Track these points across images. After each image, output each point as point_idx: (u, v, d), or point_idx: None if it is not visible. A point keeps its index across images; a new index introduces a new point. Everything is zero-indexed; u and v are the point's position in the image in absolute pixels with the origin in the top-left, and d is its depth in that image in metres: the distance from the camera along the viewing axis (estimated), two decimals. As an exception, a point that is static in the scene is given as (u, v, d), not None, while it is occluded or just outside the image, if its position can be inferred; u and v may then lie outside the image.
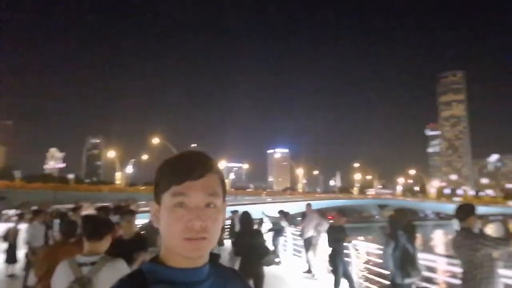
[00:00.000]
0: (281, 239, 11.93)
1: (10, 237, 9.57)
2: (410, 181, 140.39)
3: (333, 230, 7.59)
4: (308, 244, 9.64)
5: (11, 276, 9.11)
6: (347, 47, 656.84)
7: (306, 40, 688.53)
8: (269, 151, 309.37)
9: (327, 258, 8.21)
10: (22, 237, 8.91)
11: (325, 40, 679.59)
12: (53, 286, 2.43)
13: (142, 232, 7.63)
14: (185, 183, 0.85)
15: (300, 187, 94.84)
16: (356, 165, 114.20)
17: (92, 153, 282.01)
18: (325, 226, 8.62)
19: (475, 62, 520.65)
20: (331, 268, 7.74)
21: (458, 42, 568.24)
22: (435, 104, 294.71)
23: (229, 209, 11.95)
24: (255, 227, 7.17)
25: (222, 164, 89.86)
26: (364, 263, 8.55)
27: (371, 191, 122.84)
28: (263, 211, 14.19)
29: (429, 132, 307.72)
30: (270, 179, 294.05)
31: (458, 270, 4.94)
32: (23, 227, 9.27)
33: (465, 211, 3.90)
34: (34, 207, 10.87)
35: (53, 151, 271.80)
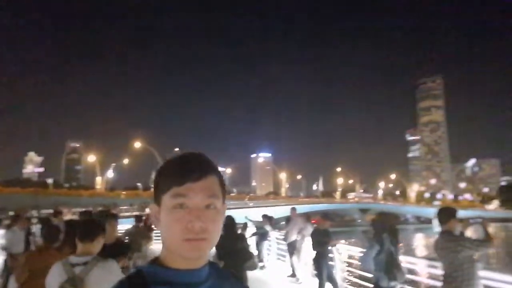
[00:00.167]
0: (265, 243, 11.94)
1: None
2: (391, 185, 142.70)
3: (318, 234, 7.65)
4: (292, 248, 9.68)
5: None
6: (329, 53, 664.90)
7: (289, 45, 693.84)
8: (252, 156, 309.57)
9: (311, 262, 8.26)
10: None
11: (308, 46, 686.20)
12: (47, 285, 2.50)
13: (126, 237, 7.57)
14: (186, 184, 0.86)
15: (283, 191, 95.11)
16: (339, 169, 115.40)
17: (72, 158, 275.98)
18: (310, 230, 8.68)
19: (453, 69, 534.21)
20: (315, 272, 7.79)
21: (437, 49, 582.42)
22: (415, 110, 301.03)
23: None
24: (239, 231, 7.18)
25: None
26: (347, 266, 8.63)
27: (351, 195, 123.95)
28: (247, 215, 14.17)
29: (409, 137, 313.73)
30: (254, 183, 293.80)
31: (439, 272, 5.07)
32: (0, 232, 9.02)
33: (447, 214, 4.01)
34: (11, 213, 10.60)
35: (32, 155, 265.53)
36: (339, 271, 8.22)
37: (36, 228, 8.28)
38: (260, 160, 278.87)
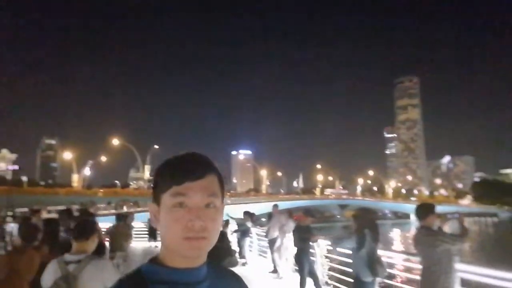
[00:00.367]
0: (247, 240, 11.97)
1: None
2: (369, 181, 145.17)
3: (300, 230, 7.71)
4: (274, 244, 9.74)
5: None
6: (308, 53, 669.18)
7: (269, 45, 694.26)
8: (233, 153, 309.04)
9: (293, 258, 8.33)
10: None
11: (288, 46, 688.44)
12: (42, 282, 2.59)
13: (107, 237, 7.44)
14: (185, 183, 0.86)
15: (264, 188, 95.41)
16: (318, 166, 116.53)
17: (47, 155, 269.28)
18: (291, 226, 8.74)
19: (429, 69, 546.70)
20: (297, 267, 7.86)
21: (414, 49, 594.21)
22: (392, 108, 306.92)
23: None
24: (220, 228, 7.17)
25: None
26: (327, 261, 8.73)
27: (328, 191, 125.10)
28: (227, 212, 14.17)
29: (387, 135, 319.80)
30: (234, 180, 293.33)
31: (417, 266, 5.19)
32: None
33: (425, 210, 4.11)
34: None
35: (5, 153, 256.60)
36: (320, 266, 8.33)
37: (10, 227, 8.06)
38: (241, 157, 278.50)
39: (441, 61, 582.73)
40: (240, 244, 11.80)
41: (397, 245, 37.71)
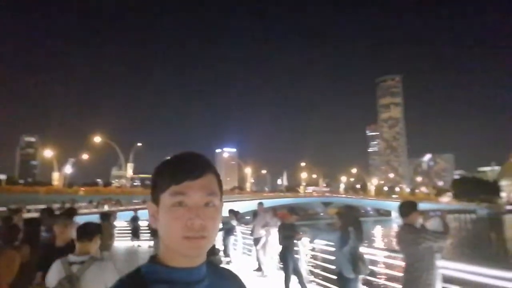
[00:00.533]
0: (231, 238, 11.95)
1: None
2: (352, 179, 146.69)
3: (285, 228, 7.74)
4: (259, 242, 9.75)
5: None
6: (293, 51, 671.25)
7: (252, 41, 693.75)
8: (217, 151, 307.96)
9: (278, 256, 8.35)
10: None
11: (271, 44, 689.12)
12: (47, 282, 2.71)
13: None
14: (184, 182, 0.86)
15: (248, 186, 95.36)
16: (303, 164, 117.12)
17: (27, 152, 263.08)
18: (276, 224, 8.77)
19: (411, 68, 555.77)
20: (281, 265, 7.89)
21: (396, 48, 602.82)
22: (375, 106, 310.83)
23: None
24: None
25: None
26: (311, 258, 8.78)
27: (310, 189, 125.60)
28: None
29: (370, 133, 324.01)
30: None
31: (400, 263, 5.28)
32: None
33: (408, 207, 4.17)
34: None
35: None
36: (304, 264, 8.38)
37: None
38: (225, 155, 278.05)
39: (422, 60, 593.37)
40: (224, 242, 11.77)
41: (379, 242, 38.20)
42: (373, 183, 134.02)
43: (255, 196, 72.83)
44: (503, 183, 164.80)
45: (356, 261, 5.03)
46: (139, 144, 74.92)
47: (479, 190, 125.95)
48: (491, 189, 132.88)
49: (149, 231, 15.79)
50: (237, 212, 12.68)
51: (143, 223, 17.13)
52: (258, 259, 9.79)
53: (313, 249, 8.58)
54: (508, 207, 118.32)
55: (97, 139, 63.90)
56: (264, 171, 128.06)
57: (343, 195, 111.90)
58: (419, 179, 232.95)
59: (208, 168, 0.91)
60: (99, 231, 3.00)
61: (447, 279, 4.27)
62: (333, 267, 5.79)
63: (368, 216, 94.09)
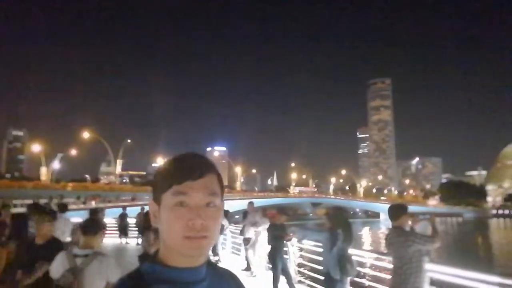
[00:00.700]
0: (220, 238, 11.93)
1: None
2: (342, 180, 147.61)
3: (274, 228, 7.75)
4: (248, 242, 9.75)
5: None
6: (285, 52, 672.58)
7: (244, 42, 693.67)
8: (207, 149, 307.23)
9: (267, 255, 8.36)
10: None
11: (264, 44, 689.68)
12: (51, 272, 2.87)
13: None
14: (186, 182, 0.87)
15: (238, 185, 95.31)
16: (293, 165, 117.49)
17: (14, 147, 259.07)
18: (266, 224, 8.77)
19: (400, 71, 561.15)
20: (270, 265, 7.89)
21: (387, 51, 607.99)
22: (366, 109, 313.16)
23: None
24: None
25: (159, 162, 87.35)
26: (299, 257, 8.81)
27: (296, 189, 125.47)
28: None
29: (360, 135, 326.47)
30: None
31: (388, 265, 5.32)
32: None
33: (398, 210, 4.19)
34: None
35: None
36: (293, 264, 8.40)
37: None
38: (215, 153, 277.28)
39: (412, 64, 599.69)
40: (213, 241, 11.74)
41: (367, 243, 38.50)
42: (362, 184, 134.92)
43: (245, 195, 72.91)
44: (489, 187, 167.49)
45: (344, 262, 5.05)
46: (128, 140, 74.45)
47: (466, 194, 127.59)
48: (477, 193, 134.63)
49: (137, 228, 15.71)
50: (227, 211, 12.67)
51: (131, 221, 17.00)
52: (247, 259, 9.78)
53: (301, 249, 8.61)
54: (494, 211, 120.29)
55: (86, 134, 63.25)
56: (254, 171, 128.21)
57: (332, 196, 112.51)
58: (407, 181, 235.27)
59: (210, 168, 0.92)
60: (103, 227, 3.16)
61: (434, 282, 4.32)
62: (321, 267, 5.81)
63: (356, 218, 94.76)
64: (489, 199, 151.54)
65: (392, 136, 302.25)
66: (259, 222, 9.54)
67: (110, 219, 17.48)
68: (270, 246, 7.80)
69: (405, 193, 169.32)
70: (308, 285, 7.91)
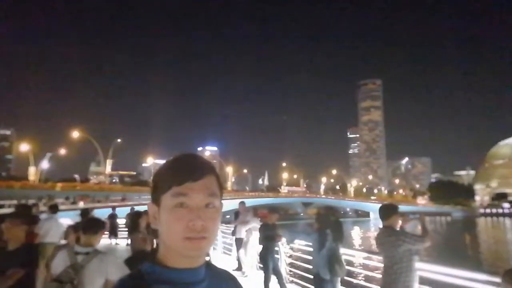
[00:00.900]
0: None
1: None
2: (332, 180, 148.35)
3: (266, 228, 7.74)
4: (240, 242, 9.73)
5: None
6: (276, 52, 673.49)
7: (235, 42, 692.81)
8: (198, 149, 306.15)
9: (258, 255, 8.35)
10: None
11: (254, 44, 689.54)
12: (53, 268, 2.95)
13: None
14: (186, 184, 0.87)
15: (229, 185, 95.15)
16: (284, 164, 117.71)
17: (1, 146, 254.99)
18: (257, 224, 8.76)
19: (391, 72, 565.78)
20: (261, 265, 7.88)
21: (378, 52, 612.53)
22: (356, 109, 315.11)
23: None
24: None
25: (149, 161, 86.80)
26: (290, 257, 8.82)
27: (285, 189, 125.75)
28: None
29: (350, 135, 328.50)
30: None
31: (378, 264, 5.34)
32: None
33: (388, 210, 4.22)
34: None
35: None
36: (284, 264, 8.41)
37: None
38: (206, 153, 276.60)
39: (402, 65, 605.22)
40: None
41: (357, 243, 38.73)
42: (352, 184, 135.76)
43: (236, 195, 72.75)
44: (477, 187, 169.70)
45: (333, 263, 5.06)
46: (118, 140, 73.82)
47: (454, 193, 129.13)
48: (466, 193, 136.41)
49: (127, 229, 15.56)
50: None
51: (121, 221, 16.87)
52: (238, 259, 9.77)
53: (292, 249, 8.63)
54: (482, 210, 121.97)
55: (76, 134, 62.59)
56: (245, 171, 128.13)
57: (323, 196, 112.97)
58: (397, 181, 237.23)
59: (209, 170, 0.92)
60: (103, 226, 3.25)
61: (424, 281, 4.36)
62: (312, 267, 5.82)
63: (347, 217, 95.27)
64: (477, 198, 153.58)
65: (382, 136, 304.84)
66: (251, 221, 9.54)
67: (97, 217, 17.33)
68: (261, 246, 7.79)
69: (395, 193, 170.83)
70: (299, 284, 7.93)
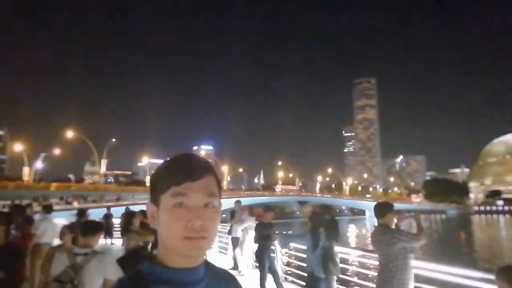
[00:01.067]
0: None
1: None
2: (328, 178, 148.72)
3: (262, 227, 7.74)
4: (236, 241, 9.73)
5: None
6: (271, 51, 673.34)
7: (230, 41, 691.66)
8: (193, 148, 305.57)
9: (254, 254, 8.34)
10: None
11: (250, 43, 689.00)
12: (52, 269, 3.01)
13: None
14: (185, 183, 0.87)
15: (225, 184, 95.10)
16: (279, 163, 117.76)
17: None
18: (253, 223, 8.76)
19: (385, 71, 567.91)
20: (257, 264, 7.87)
21: (373, 52, 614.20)
22: (351, 107, 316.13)
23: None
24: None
25: (144, 161, 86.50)
26: (285, 255, 8.82)
27: (279, 188, 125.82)
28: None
29: (346, 134, 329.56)
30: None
31: (374, 262, 5.36)
32: None
33: (383, 208, 4.21)
34: None
35: None
36: (280, 263, 8.41)
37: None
38: (202, 152, 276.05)
39: (396, 64, 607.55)
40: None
41: (353, 241, 38.84)
42: (348, 183, 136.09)
43: (232, 194, 72.74)
44: (472, 184, 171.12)
45: (327, 261, 5.06)
46: (113, 140, 73.49)
47: (449, 191, 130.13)
48: (460, 190, 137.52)
49: (121, 229, 15.49)
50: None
51: (116, 221, 16.78)
52: (234, 258, 9.76)
53: (288, 248, 8.63)
54: (476, 208, 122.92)
55: (70, 134, 62.26)
56: (241, 170, 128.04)
57: (319, 195, 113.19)
58: (392, 179, 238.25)
59: (208, 170, 0.92)
60: (101, 228, 3.37)
61: (420, 279, 4.37)
62: (305, 264, 5.82)
63: (342, 215, 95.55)
64: (472, 196, 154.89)
65: (377, 135, 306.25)
66: (246, 220, 9.54)
67: (94, 219, 17.23)
68: (257, 245, 7.79)
69: (390, 191, 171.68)
70: (296, 283, 7.94)
